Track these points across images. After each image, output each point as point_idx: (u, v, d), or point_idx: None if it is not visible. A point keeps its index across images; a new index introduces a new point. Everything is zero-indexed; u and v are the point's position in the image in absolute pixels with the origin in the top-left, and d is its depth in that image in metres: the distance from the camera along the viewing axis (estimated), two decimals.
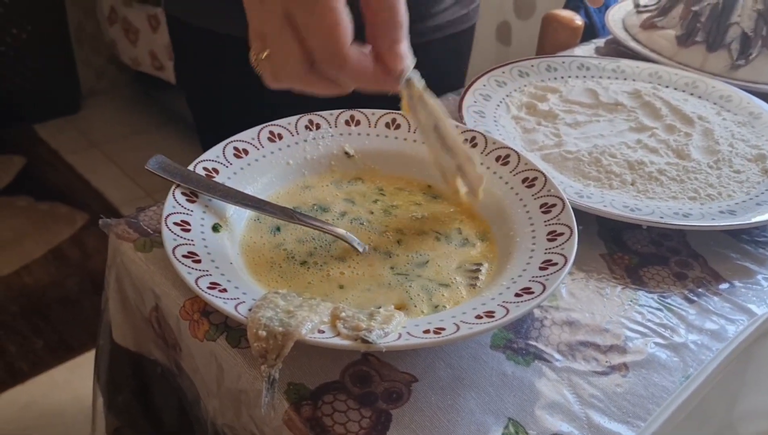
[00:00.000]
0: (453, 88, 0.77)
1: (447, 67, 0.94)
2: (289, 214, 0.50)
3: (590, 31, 0.98)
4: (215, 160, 0.53)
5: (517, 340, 0.47)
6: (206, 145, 0.56)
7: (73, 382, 1.53)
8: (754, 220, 0.56)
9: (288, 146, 0.57)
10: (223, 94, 0.87)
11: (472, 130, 0.59)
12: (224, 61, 0.83)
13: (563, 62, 0.79)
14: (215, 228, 0.48)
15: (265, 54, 0.42)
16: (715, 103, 0.74)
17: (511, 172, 0.55)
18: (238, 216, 0.51)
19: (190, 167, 0.51)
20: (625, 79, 0.78)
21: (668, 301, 0.52)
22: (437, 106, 0.48)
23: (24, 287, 1.76)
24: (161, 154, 0.52)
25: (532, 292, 0.43)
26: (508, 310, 0.42)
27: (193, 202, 0.49)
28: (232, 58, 0.69)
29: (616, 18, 0.92)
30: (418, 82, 0.46)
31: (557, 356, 0.46)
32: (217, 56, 0.84)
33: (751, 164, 0.64)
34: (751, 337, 0.36)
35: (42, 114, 2.36)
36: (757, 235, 0.59)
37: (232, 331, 0.45)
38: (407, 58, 0.42)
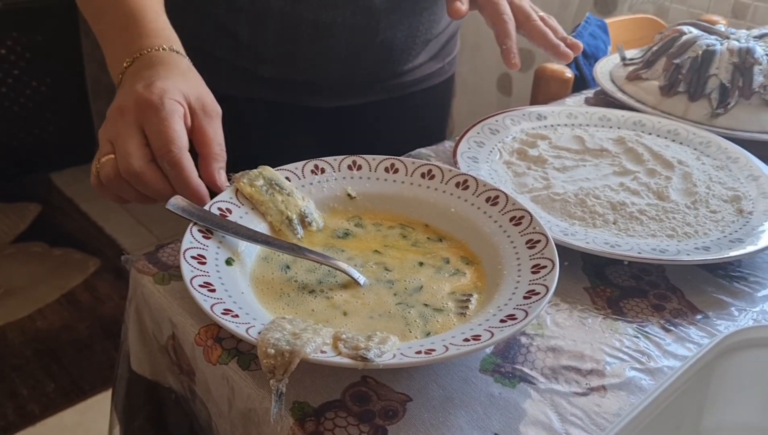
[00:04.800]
0: (434, 136, 0.83)
1: (427, 117, 1.01)
2: (294, 249, 0.54)
3: (581, 83, 1.04)
4: (228, 201, 0.58)
5: (504, 365, 0.51)
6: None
7: (83, 424, 1.56)
8: (725, 255, 0.60)
9: (296, 188, 0.62)
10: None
11: (464, 174, 0.64)
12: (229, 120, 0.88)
13: (553, 111, 0.84)
14: (228, 262, 0.53)
15: (107, 158, 0.55)
16: (695, 149, 0.79)
17: (500, 211, 0.60)
18: (249, 251, 0.56)
19: (206, 207, 0.56)
20: (610, 127, 0.83)
21: (646, 329, 0.56)
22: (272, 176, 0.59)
23: (37, 331, 1.80)
24: (179, 196, 0.57)
25: (516, 319, 0.48)
26: (492, 334, 0.46)
27: (208, 238, 0.54)
28: (233, 117, 0.75)
29: (604, 70, 0.98)
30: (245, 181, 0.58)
31: (541, 379, 0.50)
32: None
33: (726, 205, 0.69)
34: (711, 353, 0.40)
35: (58, 163, 2.44)
36: (731, 271, 0.63)
37: (243, 355, 0.50)
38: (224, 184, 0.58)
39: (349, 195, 0.63)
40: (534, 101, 0.99)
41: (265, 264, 0.56)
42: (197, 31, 0.85)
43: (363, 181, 0.64)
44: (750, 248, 0.61)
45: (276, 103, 0.91)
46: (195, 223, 0.54)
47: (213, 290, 0.49)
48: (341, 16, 0.83)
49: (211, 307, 0.47)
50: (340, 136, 0.96)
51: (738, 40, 0.90)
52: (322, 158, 0.65)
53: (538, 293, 0.50)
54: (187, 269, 0.50)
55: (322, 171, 0.64)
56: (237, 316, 0.47)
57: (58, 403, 1.60)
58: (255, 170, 0.61)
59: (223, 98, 0.64)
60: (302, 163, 0.64)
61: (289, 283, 0.54)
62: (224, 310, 0.47)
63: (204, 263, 0.51)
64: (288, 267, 0.56)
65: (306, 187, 0.63)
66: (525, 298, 0.50)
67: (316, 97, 0.91)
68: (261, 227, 0.58)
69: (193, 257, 0.51)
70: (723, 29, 0.95)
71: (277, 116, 0.93)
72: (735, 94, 0.86)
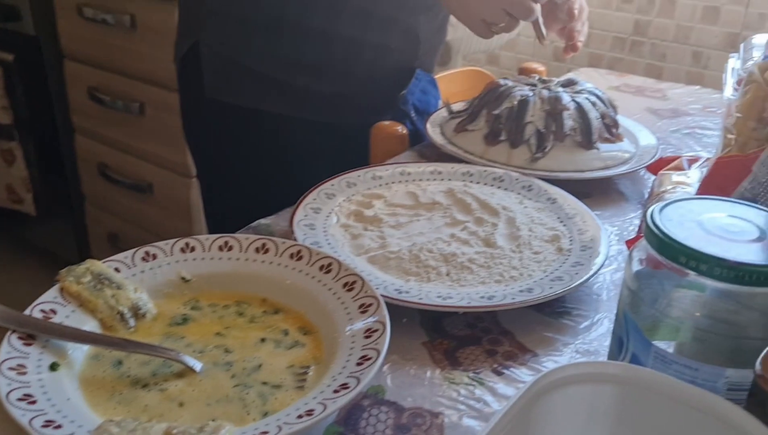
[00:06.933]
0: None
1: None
2: (123, 344, 0.53)
3: (417, 138, 1.09)
4: (52, 302, 0.56)
5: (347, 432, 0.52)
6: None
7: None
8: (546, 294, 0.64)
9: (127, 279, 0.61)
10: (241, 170, 1.07)
11: (298, 245, 0.65)
12: (252, 135, 1.05)
13: (387, 170, 0.88)
14: (53, 367, 0.51)
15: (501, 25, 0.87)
16: (518, 194, 0.85)
17: (333, 278, 0.61)
18: (78, 352, 0.54)
19: (27, 312, 0.54)
20: (442, 179, 0.88)
21: (480, 376, 0.58)
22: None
23: None
24: None
25: (348, 387, 0.49)
26: (325, 407, 0.47)
27: (29, 344, 0.52)
28: (262, 131, 1.03)
29: (435, 124, 1.04)
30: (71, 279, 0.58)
31: None
32: (247, 131, 1.05)
33: (547, 245, 0.74)
34: (525, 397, 0.43)
35: None
36: (556, 307, 0.68)
37: None
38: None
39: (183, 278, 0.63)
40: (374, 159, 1.03)
41: (96, 363, 0.54)
42: (262, 48, 1.00)
43: (197, 262, 0.64)
44: (568, 285, 0.66)
45: (324, 124, 1.05)
46: (13, 331, 0.52)
47: (33, 402, 0.47)
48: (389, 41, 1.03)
49: (30, 421, 0.45)
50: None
51: (548, 89, 0.97)
52: (153, 244, 0.64)
53: (370, 358, 0.51)
54: (4, 383, 0.47)
55: (154, 257, 0.63)
56: (60, 426, 0.45)
57: None
58: (81, 266, 0.59)
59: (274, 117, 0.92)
60: (132, 251, 0.63)
61: (121, 380, 0.53)
62: (45, 422, 0.45)
63: (24, 373, 0.49)
64: (120, 363, 0.54)
65: (138, 276, 0.62)
66: (358, 364, 0.51)
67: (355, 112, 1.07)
68: (91, 325, 0.56)
69: (11, 368, 0.49)
70: (536, 78, 1.03)
71: (324, 135, 1.05)
72: (550, 138, 0.93)
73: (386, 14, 1.02)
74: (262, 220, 0.80)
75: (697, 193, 0.75)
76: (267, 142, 1.04)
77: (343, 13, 0.98)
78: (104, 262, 0.61)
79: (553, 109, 0.94)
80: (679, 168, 0.88)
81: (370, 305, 0.57)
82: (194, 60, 1.05)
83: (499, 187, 0.86)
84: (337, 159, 0.95)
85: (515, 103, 0.95)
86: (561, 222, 0.79)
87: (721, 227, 0.48)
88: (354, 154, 1.01)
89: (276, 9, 0.98)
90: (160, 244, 0.64)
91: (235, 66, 1.02)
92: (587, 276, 0.67)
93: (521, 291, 0.66)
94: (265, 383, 0.53)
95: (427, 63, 1.14)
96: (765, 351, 0.41)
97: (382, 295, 0.61)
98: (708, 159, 0.89)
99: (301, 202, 0.78)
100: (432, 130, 1.01)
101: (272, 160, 1.05)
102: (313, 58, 1.01)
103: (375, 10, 1.00)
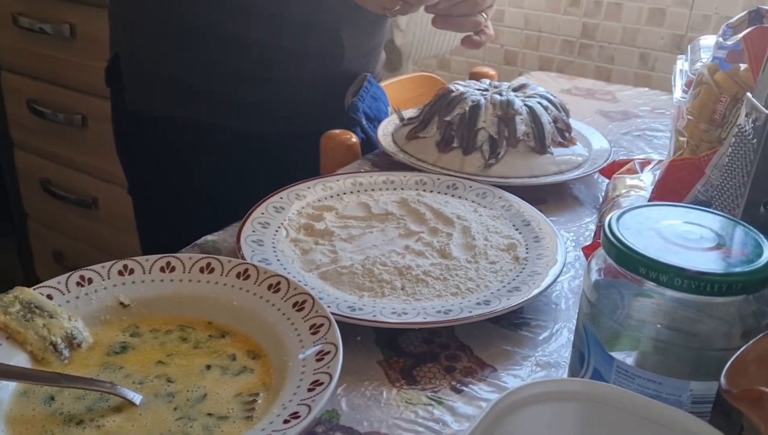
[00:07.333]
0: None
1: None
2: (55, 378, 0.49)
3: (368, 146, 1.06)
4: None
5: None
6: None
7: None
8: (504, 306, 0.62)
9: (60, 306, 0.57)
10: (174, 184, 1.04)
11: (245, 263, 0.62)
12: (179, 147, 1.02)
13: (338, 180, 0.85)
14: None
15: (398, 7, 0.81)
16: (473, 202, 0.83)
17: (282, 298, 0.58)
18: (4, 389, 0.50)
19: None
20: (395, 189, 0.85)
21: (438, 395, 0.56)
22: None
23: None
24: None
25: (299, 416, 0.46)
26: None
27: None
28: (187, 142, 1.00)
29: (386, 132, 1.01)
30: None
31: None
32: (172, 143, 1.01)
33: (504, 254, 0.72)
34: (490, 415, 0.41)
35: None
36: (514, 319, 0.66)
37: None
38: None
39: (122, 303, 0.59)
40: (323, 170, 1.00)
41: (25, 400, 0.50)
42: (177, 57, 0.97)
43: (137, 285, 0.60)
44: (526, 296, 0.64)
45: (247, 133, 1.01)
46: None
47: None
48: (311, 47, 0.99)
49: None
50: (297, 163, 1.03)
51: (500, 94, 0.96)
52: (88, 267, 0.60)
53: (321, 383, 0.49)
54: None
55: (89, 281, 0.59)
56: None
57: None
58: (9, 295, 0.55)
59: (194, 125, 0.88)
60: (65, 275, 0.59)
61: (53, 418, 0.49)
62: None
63: None
64: (52, 398, 0.50)
65: (72, 303, 0.58)
66: (309, 390, 0.49)
67: (286, 122, 1.03)
68: (20, 358, 0.52)
69: None
70: (487, 83, 1.01)
71: (247, 145, 1.02)
72: (503, 144, 0.92)
73: (300, 18, 0.98)
74: (209, 237, 0.76)
75: (651, 197, 0.74)
76: (200, 155, 1.01)
77: (254, 19, 0.95)
78: (35, 288, 0.57)
79: (506, 114, 0.92)
80: (632, 171, 0.88)
81: (321, 326, 0.55)
82: (117, 71, 1.02)
83: (453, 196, 0.84)
84: (279, 171, 0.93)
85: (467, 108, 0.93)
86: (517, 230, 0.77)
87: (679, 235, 0.46)
88: (298, 167, 0.98)
89: (186, 17, 0.95)
90: (96, 267, 0.60)
91: (154, 76, 0.99)
92: (545, 286, 0.65)
93: (478, 303, 0.64)
94: (210, 414, 0.49)
95: (360, 68, 1.10)
96: (729, 363, 0.40)
97: (335, 314, 0.58)
98: (660, 161, 0.88)
99: (248, 216, 0.75)
100: (383, 138, 0.99)
101: (208, 174, 1.02)
102: (229, 65, 0.98)
103: (286, 13, 0.97)
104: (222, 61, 0.98)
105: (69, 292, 0.58)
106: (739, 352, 0.41)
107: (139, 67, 1.01)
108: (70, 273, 0.59)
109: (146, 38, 0.98)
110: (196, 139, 1.01)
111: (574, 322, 0.65)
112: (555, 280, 0.67)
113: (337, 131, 1.01)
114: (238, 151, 1.02)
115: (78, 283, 0.59)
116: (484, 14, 0.91)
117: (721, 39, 0.74)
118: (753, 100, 0.57)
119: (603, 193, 0.90)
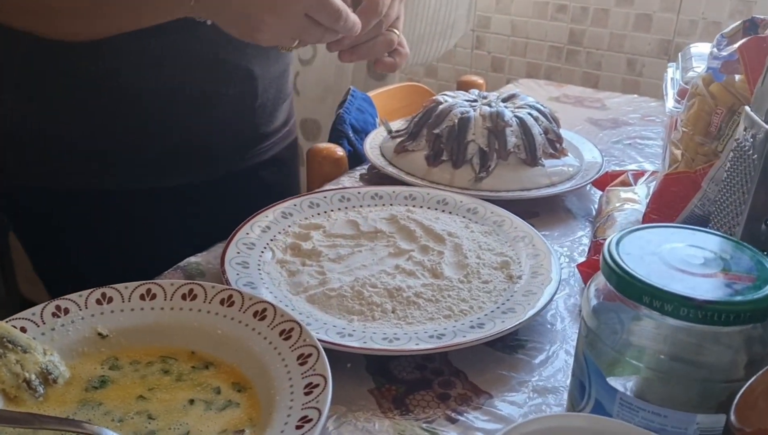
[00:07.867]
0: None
1: (279, 183, 1.01)
2: (28, 419, 0.47)
3: (355, 159, 1.04)
4: None
5: None
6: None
7: None
8: (499, 329, 0.60)
9: (35, 339, 0.54)
10: (66, 245, 0.92)
11: (229, 289, 0.59)
12: (66, 215, 0.89)
13: (325, 197, 0.83)
14: None
15: (296, 43, 0.70)
16: (464, 217, 0.81)
17: (268, 326, 0.56)
18: None
19: None
20: (383, 205, 0.83)
21: (433, 425, 0.54)
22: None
23: None
24: None
25: None
26: None
27: None
28: (73, 211, 0.87)
29: (373, 145, 0.99)
30: None
31: None
32: (58, 212, 0.89)
33: (497, 272, 0.70)
34: None
35: None
36: (509, 341, 0.64)
37: None
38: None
39: (100, 334, 0.56)
40: (310, 185, 0.98)
41: None
42: (59, 119, 0.82)
43: (116, 314, 0.58)
44: (521, 317, 0.62)
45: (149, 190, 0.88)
46: None
47: None
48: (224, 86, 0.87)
49: None
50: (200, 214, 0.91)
51: (489, 105, 0.94)
52: (65, 296, 0.57)
53: (310, 420, 0.46)
54: None
55: (66, 311, 0.57)
56: None
57: None
58: None
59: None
60: (40, 306, 0.56)
61: None
62: None
63: None
64: None
65: (48, 335, 0.55)
66: (298, 427, 0.46)
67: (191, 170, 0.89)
68: None
69: None
70: (476, 94, 1.00)
71: (149, 202, 0.89)
72: (494, 156, 0.90)
73: (211, 57, 0.84)
74: (192, 259, 0.74)
75: (647, 211, 0.73)
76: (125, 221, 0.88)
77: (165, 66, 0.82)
78: (8, 321, 0.54)
79: (495, 126, 0.90)
80: (625, 183, 0.86)
81: (309, 356, 0.52)
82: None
83: (443, 211, 0.82)
84: (197, 222, 0.86)
85: (456, 121, 0.91)
86: (509, 246, 0.75)
87: (682, 259, 0.44)
88: (224, 212, 0.84)
89: (81, 70, 0.79)
90: (73, 296, 0.58)
91: (42, 141, 0.83)
92: (540, 307, 0.63)
93: (472, 326, 0.61)
94: None
95: (273, 96, 0.95)
96: (737, 398, 0.38)
97: (323, 341, 0.56)
98: (653, 172, 0.87)
99: (232, 237, 0.72)
100: (371, 150, 0.97)
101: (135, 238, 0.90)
102: (133, 118, 0.83)
103: (196, 56, 0.83)
104: (123, 115, 0.83)
105: (44, 323, 0.55)
106: (746, 386, 0.39)
107: (24, 132, 0.83)
108: (46, 303, 0.56)
109: (31, 97, 0.80)
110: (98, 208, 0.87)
111: (570, 342, 0.64)
112: (551, 300, 0.65)
113: (324, 145, 0.99)
114: (149, 210, 0.90)
115: (54, 314, 0.56)
116: (395, 30, 0.79)
117: (715, 49, 0.72)
118: (752, 114, 0.55)
119: (596, 206, 0.89)
